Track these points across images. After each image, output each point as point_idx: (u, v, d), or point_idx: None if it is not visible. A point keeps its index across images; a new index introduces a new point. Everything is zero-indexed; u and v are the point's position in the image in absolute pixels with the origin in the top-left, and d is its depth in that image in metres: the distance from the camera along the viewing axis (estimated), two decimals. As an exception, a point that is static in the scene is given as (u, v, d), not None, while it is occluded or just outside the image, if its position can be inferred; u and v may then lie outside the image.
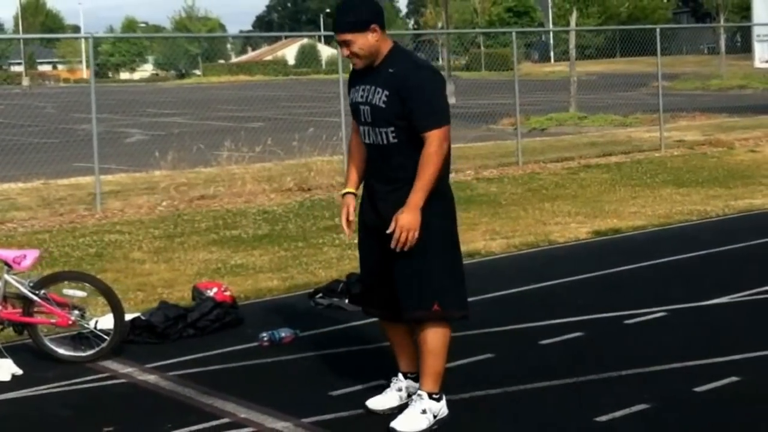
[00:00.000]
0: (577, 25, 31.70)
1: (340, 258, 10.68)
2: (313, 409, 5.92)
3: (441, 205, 5.63)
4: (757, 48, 31.15)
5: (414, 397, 5.70)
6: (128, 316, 7.58)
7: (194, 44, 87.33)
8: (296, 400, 6.12)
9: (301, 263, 10.52)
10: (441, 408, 5.69)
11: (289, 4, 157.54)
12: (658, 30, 21.62)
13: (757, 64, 31.91)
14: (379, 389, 6.05)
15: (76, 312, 7.22)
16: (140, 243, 11.82)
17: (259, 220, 13.19)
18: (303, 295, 8.95)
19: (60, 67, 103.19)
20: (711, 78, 46.92)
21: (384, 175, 5.71)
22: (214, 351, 7.32)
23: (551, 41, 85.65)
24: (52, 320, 7.27)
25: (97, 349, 7.17)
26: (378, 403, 5.92)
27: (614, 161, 18.41)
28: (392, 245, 5.47)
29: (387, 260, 5.65)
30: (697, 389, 6.09)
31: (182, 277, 10.04)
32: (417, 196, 5.46)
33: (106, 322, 7.36)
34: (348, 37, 5.57)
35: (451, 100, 39.02)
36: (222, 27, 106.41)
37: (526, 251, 11.04)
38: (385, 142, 5.61)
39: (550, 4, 77.66)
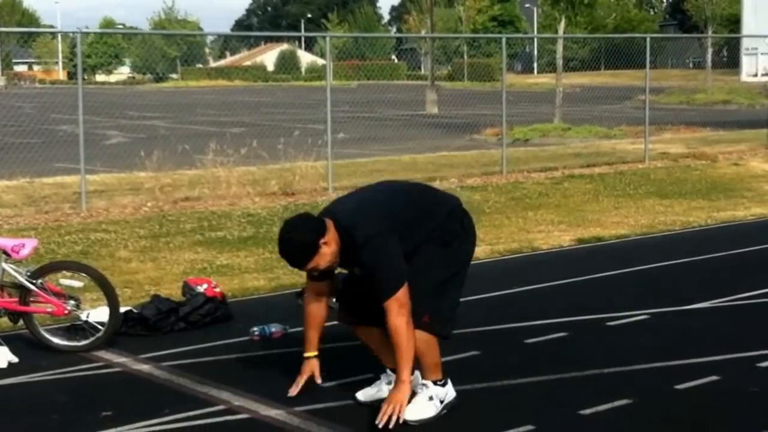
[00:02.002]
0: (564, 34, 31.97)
1: (326, 260, 10.92)
2: (304, 399, 6.17)
3: (441, 251, 5.90)
4: (745, 61, 31.52)
5: (419, 387, 5.93)
6: (121, 309, 7.82)
7: (173, 47, 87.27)
8: (288, 390, 6.32)
9: (286, 265, 10.71)
10: (447, 392, 5.99)
11: (268, 8, 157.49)
12: (648, 39, 21.89)
13: (744, 77, 32.28)
14: (367, 382, 6.32)
15: (72, 302, 7.46)
16: (126, 242, 12.06)
17: (244, 222, 13.44)
18: (290, 294, 9.21)
19: (35, 67, 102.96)
20: (696, 92, 47.37)
21: None
22: (206, 344, 7.59)
23: (535, 52, 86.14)
24: (48, 310, 7.49)
25: (92, 338, 7.43)
26: (367, 394, 6.20)
27: (598, 172, 18.69)
28: (378, 420, 5.59)
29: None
30: (678, 387, 6.40)
31: (169, 276, 10.30)
32: (404, 372, 5.61)
33: (99, 313, 7.62)
34: (309, 267, 5.70)
35: (434, 110, 39.50)
36: (201, 30, 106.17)
37: (510, 257, 11.35)
38: None
39: (536, 13, 78.01)
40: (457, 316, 6.09)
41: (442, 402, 5.93)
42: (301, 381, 6.13)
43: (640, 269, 10.45)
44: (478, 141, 26.60)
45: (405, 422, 5.71)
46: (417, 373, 5.97)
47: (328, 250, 5.64)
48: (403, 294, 5.60)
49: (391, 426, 5.58)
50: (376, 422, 5.60)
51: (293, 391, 6.15)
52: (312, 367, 6.15)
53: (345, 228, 5.66)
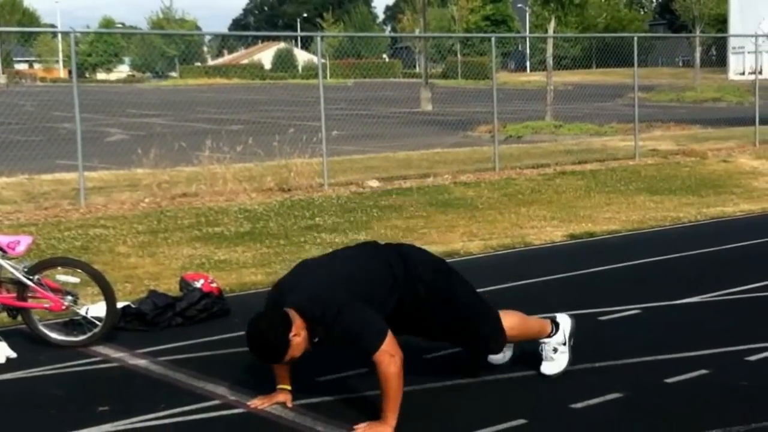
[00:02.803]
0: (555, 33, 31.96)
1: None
2: (300, 393, 6.12)
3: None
4: (732, 60, 31.51)
5: (540, 346, 6.58)
6: (118, 305, 7.78)
7: (171, 46, 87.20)
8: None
9: (284, 260, 10.75)
10: (563, 332, 6.60)
11: (265, 8, 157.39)
12: (635, 38, 21.90)
13: (732, 75, 32.28)
14: (363, 376, 6.30)
15: (69, 297, 7.43)
16: (125, 237, 12.02)
17: (241, 218, 13.40)
18: (287, 289, 9.16)
19: (36, 66, 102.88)
20: (686, 90, 47.42)
21: None
22: (202, 339, 7.56)
23: (527, 51, 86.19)
24: (46, 305, 7.46)
25: (89, 334, 7.39)
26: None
27: (589, 168, 18.68)
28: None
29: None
30: (668, 380, 6.37)
31: (167, 271, 10.26)
32: (390, 416, 5.55)
33: (97, 308, 7.57)
34: (287, 359, 5.66)
35: (428, 107, 39.49)
36: (198, 29, 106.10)
37: (503, 252, 11.31)
38: None
39: (528, 13, 78.02)
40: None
41: (564, 343, 6.53)
42: (267, 403, 6.01)
43: (631, 264, 10.41)
44: (471, 138, 26.55)
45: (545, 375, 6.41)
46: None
47: (299, 340, 5.60)
48: (389, 344, 5.57)
49: None
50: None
51: (255, 404, 6.03)
52: (284, 397, 6.03)
53: (309, 316, 5.61)
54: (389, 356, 5.53)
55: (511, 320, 6.35)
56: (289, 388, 6.05)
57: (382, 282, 5.88)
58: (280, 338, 5.53)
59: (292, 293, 5.73)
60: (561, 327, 6.54)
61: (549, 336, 6.50)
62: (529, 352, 7.00)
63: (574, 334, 6.59)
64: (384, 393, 5.59)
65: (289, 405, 6.00)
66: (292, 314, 5.59)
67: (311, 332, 5.64)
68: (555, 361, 6.49)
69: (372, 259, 5.99)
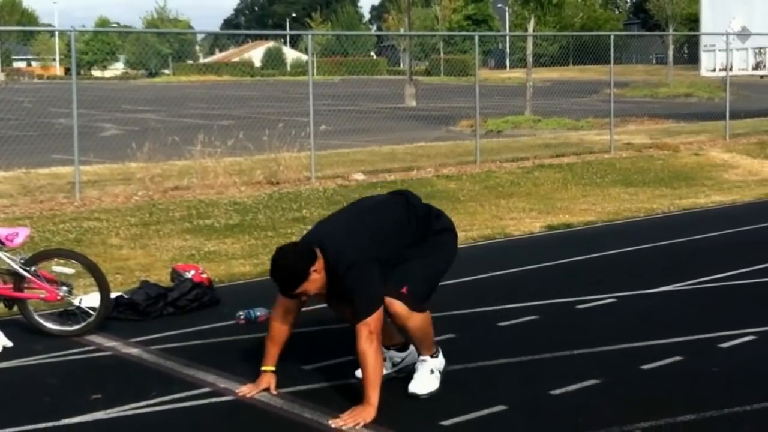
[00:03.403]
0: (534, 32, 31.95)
1: (308, 246, 10.83)
2: (288, 381, 6.07)
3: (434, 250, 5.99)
4: (704, 57, 31.47)
5: (418, 362, 6.06)
6: (111, 295, 7.71)
7: (165, 44, 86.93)
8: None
9: (272, 251, 10.42)
10: (441, 362, 6.15)
11: (255, 8, 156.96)
12: (612, 37, 21.87)
13: (703, 72, 32.25)
14: (349, 364, 6.25)
15: (65, 288, 7.36)
16: (117, 230, 11.92)
17: (231, 210, 13.31)
18: (275, 279, 9.10)
19: (34, 64, 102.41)
20: (659, 86, 47.50)
21: None
22: (193, 328, 7.49)
23: (507, 48, 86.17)
24: (42, 296, 7.39)
25: (83, 323, 7.32)
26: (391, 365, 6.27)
27: (566, 162, 18.63)
28: (334, 422, 5.49)
29: None
30: (644, 367, 6.34)
31: (158, 262, 10.18)
32: (372, 395, 5.55)
33: (91, 299, 7.50)
34: (299, 291, 5.71)
35: (412, 103, 39.44)
36: (191, 28, 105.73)
37: (484, 243, 11.27)
38: None
39: (507, 13, 78.00)
40: (431, 298, 6.04)
41: (440, 371, 6.09)
42: (254, 391, 5.97)
43: (607, 254, 10.39)
44: (453, 132, 26.52)
45: (416, 396, 5.88)
46: (412, 348, 6.19)
47: (317, 277, 5.68)
48: (374, 320, 5.60)
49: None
50: (329, 422, 5.51)
51: (243, 391, 5.98)
52: (269, 380, 6.01)
53: (330, 257, 5.70)
54: (368, 332, 5.56)
55: (426, 318, 5.97)
56: (273, 369, 6.02)
57: (403, 235, 5.95)
58: (301, 268, 5.63)
59: (323, 234, 5.88)
60: (440, 356, 6.16)
61: (432, 355, 6.09)
62: (508, 340, 6.97)
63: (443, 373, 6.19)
64: (362, 370, 5.63)
65: (274, 391, 5.95)
66: (318, 253, 5.69)
67: (328, 276, 5.71)
68: (428, 381, 5.99)
69: (402, 212, 6.05)
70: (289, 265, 5.66)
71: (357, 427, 5.45)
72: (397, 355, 6.28)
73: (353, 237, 5.80)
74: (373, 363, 5.57)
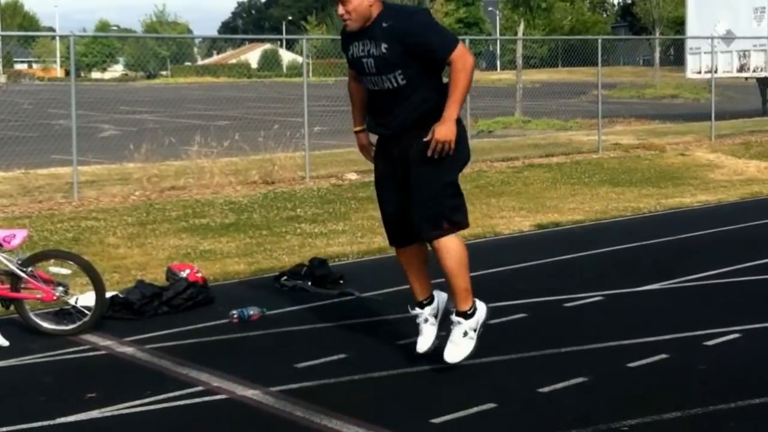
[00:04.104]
0: (524, 36, 31.92)
1: (302, 245, 10.80)
2: (280, 380, 6.02)
3: (457, 129, 5.84)
4: (690, 60, 31.47)
5: (453, 324, 6.03)
6: (107, 294, 7.64)
7: (163, 47, 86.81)
8: (264, 371, 6.22)
9: (266, 250, 10.62)
10: (478, 319, 6.09)
11: (253, 11, 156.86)
12: (599, 40, 21.84)
13: (689, 74, 32.26)
14: (342, 362, 6.20)
15: (61, 288, 7.29)
16: (115, 229, 11.85)
17: (226, 210, 13.25)
18: (268, 278, 9.04)
19: (35, 66, 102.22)
20: (646, 87, 47.48)
21: (396, 120, 5.90)
22: (187, 327, 7.41)
23: (498, 51, 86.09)
24: (38, 296, 7.33)
25: (79, 323, 7.25)
26: (424, 344, 6.21)
27: (555, 161, 18.60)
28: (428, 153, 5.67)
29: (404, 192, 5.96)
30: (631, 365, 6.27)
31: (154, 261, 10.10)
32: (452, 109, 5.69)
33: (86, 298, 7.43)
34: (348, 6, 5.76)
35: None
36: (190, 31, 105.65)
37: (474, 241, 11.19)
38: (395, 85, 5.81)
39: (498, 16, 78.02)
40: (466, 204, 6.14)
41: (475, 330, 6.05)
42: (366, 153, 6.32)
43: (595, 253, 10.33)
44: (445, 133, 26.38)
45: (450, 365, 5.93)
46: (445, 295, 6.20)
47: (366, 3, 5.76)
48: (464, 46, 5.75)
49: (439, 155, 5.70)
50: (428, 153, 5.68)
51: (369, 156, 6.30)
52: (364, 138, 6.30)
53: (395, 7, 5.84)
54: (465, 55, 5.70)
55: (462, 247, 6.06)
56: (363, 127, 6.25)
57: None
58: None
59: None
60: (478, 311, 6.13)
61: (465, 314, 6.06)
62: (497, 338, 6.91)
63: (484, 324, 6.18)
64: (453, 86, 5.71)
65: (370, 149, 6.27)
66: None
67: (374, 17, 5.79)
68: (462, 346, 6.01)
69: None
70: None
71: (446, 147, 5.67)
72: (429, 310, 6.25)
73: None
74: (466, 80, 5.73)
